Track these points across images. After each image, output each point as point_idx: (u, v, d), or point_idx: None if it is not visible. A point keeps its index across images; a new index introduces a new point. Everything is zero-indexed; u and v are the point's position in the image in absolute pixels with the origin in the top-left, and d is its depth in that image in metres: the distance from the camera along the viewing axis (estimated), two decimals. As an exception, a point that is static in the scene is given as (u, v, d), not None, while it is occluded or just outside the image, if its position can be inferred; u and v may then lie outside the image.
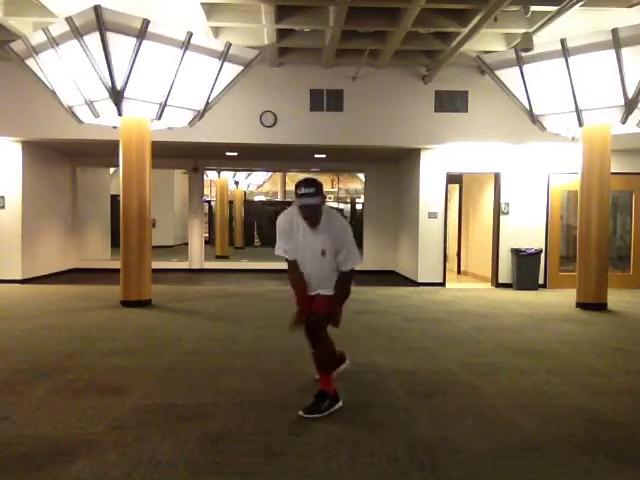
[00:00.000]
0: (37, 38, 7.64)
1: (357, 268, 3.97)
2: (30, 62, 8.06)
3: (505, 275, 10.88)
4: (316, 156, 12.30)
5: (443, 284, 10.92)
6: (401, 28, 8.09)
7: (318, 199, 3.68)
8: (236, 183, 20.20)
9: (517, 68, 8.27)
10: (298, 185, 3.74)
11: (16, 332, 6.25)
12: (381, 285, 11.00)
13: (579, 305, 8.48)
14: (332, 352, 4.00)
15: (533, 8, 7.41)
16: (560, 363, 5.16)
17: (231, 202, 20.34)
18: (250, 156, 12.93)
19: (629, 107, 7.65)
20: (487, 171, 11.16)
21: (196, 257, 13.55)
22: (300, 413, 3.68)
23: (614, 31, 7.25)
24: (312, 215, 3.75)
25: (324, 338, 3.89)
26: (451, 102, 10.42)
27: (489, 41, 8.93)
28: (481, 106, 10.34)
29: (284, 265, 4.14)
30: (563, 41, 7.62)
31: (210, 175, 17.71)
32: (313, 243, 3.86)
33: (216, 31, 8.65)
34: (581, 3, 6.63)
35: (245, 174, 19.79)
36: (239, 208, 20.94)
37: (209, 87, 8.21)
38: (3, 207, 10.58)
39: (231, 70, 8.32)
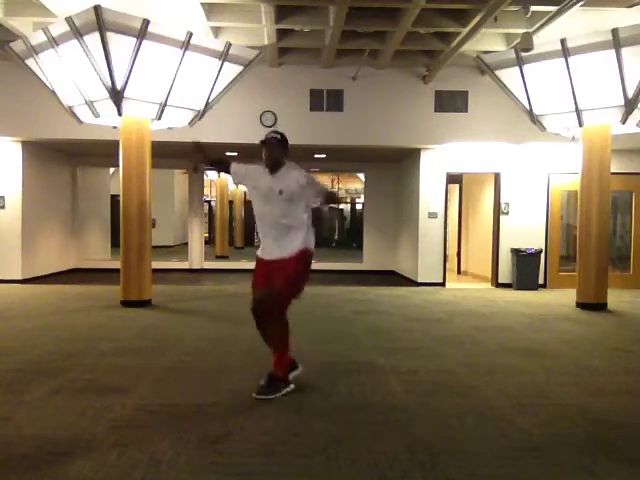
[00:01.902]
0: (37, 38, 7.64)
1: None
2: (30, 62, 8.06)
3: (505, 275, 10.88)
4: (316, 156, 12.30)
5: (443, 284, 10.92)
6: (401, 28, 8.10)
7: (282, 143, 4.11)
8: (236, 184, 20.16)
9: (517, 68, 8.27)
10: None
11: (16, 332, 6.25)
12: (381, 285, 11.00)
13: (579, 305, 8.48)
14: (286, 332, 4.14)
15: (533, 8, 7.42)
16: (560, 363, 5.16)
17: (231, 202, 20.34)
18: (250, 156, 12.90)
19: (629, 107, 7.65)
20: (487, 171, 11.16)
21: (196, 257, 13.55)
22: (253, 395, 3.93)
23: (614, 31, 7.24)
24: (274, 153, 4.06)
25: (281, 316, 4.03)
26: (451, 102, 10.43)
27: (489, 41, 8.93)
28: (481, 106, 10.34)
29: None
30: (563, 41, 7.62)
31: (210, 175, 17.71)
32: (272, 187, 4.03)
33: (216, 31, 8.65)
34: (581, 3, 6.63)
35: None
36: (239, 208, 20.94)
37: (209, 87, 8.22)
38: (3, 207, 10.59)
39: (231, 70, 8.32)
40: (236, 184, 4.17)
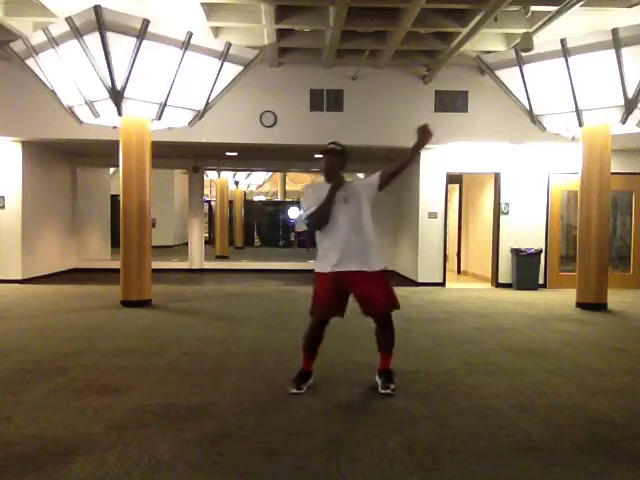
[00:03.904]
0: (37, 38, 7.64)
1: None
2: (30, 62, 8.06)
3: (505, 275, 10.88)
4: (316, 156, 12.27)
5: (443, 284, 10.91)
6: (401, 28, 8.09)
7: (342, 154, 4.11)
8: (236, 183, 20.19)
9: (517, 68, 8.27)
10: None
11: (16, 332, 6.25)
12: (381, 285, 10.98)
13: (579, 305, 8.47)
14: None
15: (533, 8, 7.41)
16: (560, 363, 5.16)
17: (231, 202, 20.34)
18: (250, 156, 12.93)
19: (629, 107, 7.64)
20: (487, 171, 11.16)
21: (196, 257, 13.55)
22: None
23: (614, 31, 7.24)
24: (333, 163, 4.06)
25: (391, 322, 4.22)
26: (451, 102, 10.42)
27: (489, 41, 8.92)
28: (481, 106, 10.34)
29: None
30: (563, 41, 7.61)
31: (210, 175, 17.71)
32: (338, 199, 4.01)
33: (216, 31, 8.65)
34: (581, 3, 6.62)
35: (245, 174, 19.78)
36: (239, 208, 20.94)
37: (209, 87, 8.22)
38: (3, 207, 10.58)
39: (231, 70, 8.32)
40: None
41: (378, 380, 4.24)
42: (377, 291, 4.08)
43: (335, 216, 4.03)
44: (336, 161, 4.11)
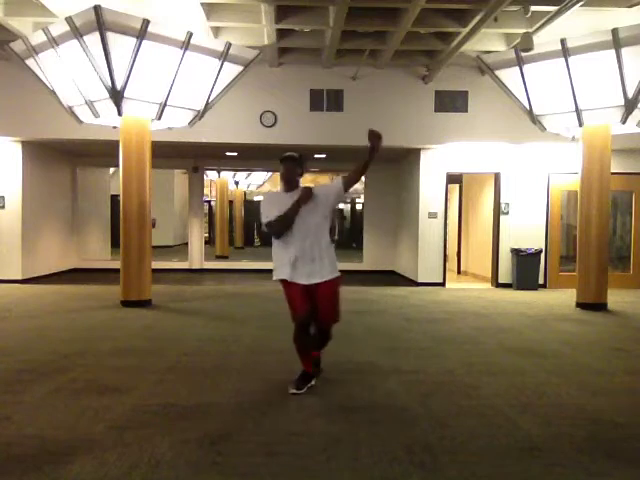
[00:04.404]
0: (37, 38, 7.65)
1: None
2: (30, 62, 8.06)
3: (505, 275, 10.88)
4: (316, 156, 12.30)
5: (443, 284, 10.91)
6: (401, 28, 8.09)
7: (299, 161, 4.24)
8: (236, 183, 20.20)
9: (517, 68, 8.27)
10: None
11: (16, 332, 6.25)
12: (381, 285, 11.00)
13: (579, 305, 8.48)
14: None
15: (533, 8, 7.41)
16: (560, 363, 5.16)
17: (231, 202, 20.34)
18: (250, 156, 12.93)
19: (629, 107, 7.65)
20: (487, 171, 11.16)
21: (196, 257, 13.55)
22: (291, 390, 4.11)
23: (614, 31, 7.25)
24: (291, 171, 4.19)
25: (330, 331, 4.37)
26: (451, 102, 10.42)
27: (489, 41, 8.93)
28: (481, 106, 10.34)
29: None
30: (563, 41, 7.62)
31: (210, 175, 17.71)
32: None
33: (216, 31, 8.65)
34: (581, 3, 6.62)
35: (245, 174, 19.79)
36: (239, 208, 20.94)
37: (209, 87, 8.22)
38: (3, 207, 10.58)
39: (231, 70, 8.33)
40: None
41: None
42: (325, 304, 4.18)
43: (294, 225, 4.11)
44: (293, 169, 4.23)
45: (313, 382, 4.28)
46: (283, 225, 4.08)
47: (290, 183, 4.24)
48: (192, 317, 7.44)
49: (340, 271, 4.23)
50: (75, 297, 8.98)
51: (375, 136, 4.09)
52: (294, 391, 4.12)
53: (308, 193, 4.13)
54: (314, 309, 4.14)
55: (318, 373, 4.41)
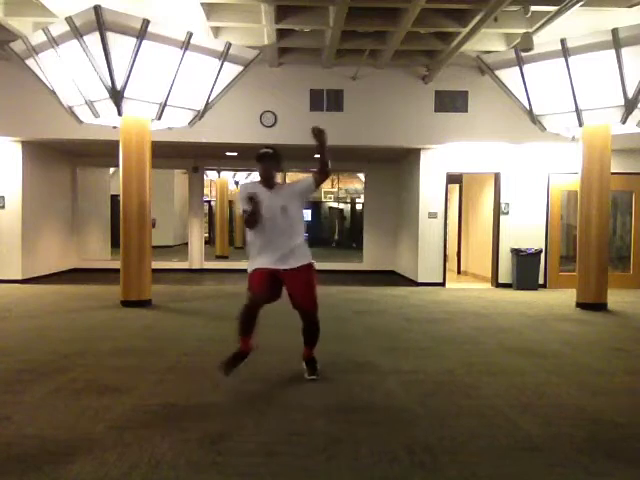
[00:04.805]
0: (37, 38, 7.65)
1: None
2: (30, 62, 8.06)
3: (505, 275, 10.88)
4: (316, 156, 12.27)
5: (443, 284, 10.91)
6: (401, 28, 8.09)
7: (275, 158, 4.29)
8: (236, 183, 20.19)
9: (517, 68, 8.27)
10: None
11: (16, 332, 6.25)
12: (381, 285, 11.00)
13: (579, 305, 8.48)
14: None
15: (533, 8, 7.41)
16: (560, 363, 5.16)
17: (231, 202, 20.34)
18: (250, 156, 12.85)
19: (629, 107, 7.65)
20: (487, 171, 11.16)
21: (196, 257, 13.55)
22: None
23: (614, 31, 7.25)
24: (268, 168, 4.24)
25: (314, 321, 4.40)
26: (451, 102, 10.42)
27: (489, 41, 8.93)
28: (481, 106, 10.34)
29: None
30: (563, 41, 7.62)
31: (210, 175, 17.71)
32: (274, 203, 4.20)
33: (216, 31, 8.65)
34: (581, 3, 6.63)
35: (245, 174, 19.79)
36: (239, 208, 20.90)
37: (209, 87, 8.22)
38: (3, 207, 10.59)
39: (231, 70, 8.33)
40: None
41: (305, 367, 4.50)
42: (298, 290, 4.32)
43: (268, 218, 4.19)
44: (270, 165, 4.29)
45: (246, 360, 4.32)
46: (254, 219, 4.16)
47: (269, 181, 4.31)
48: (192, 317, 7.44)
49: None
50: (75, 297, 8.98)
51: (318, 132, 4.13)
52: (225, 369, 4.19)
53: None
54: (273, 296, 4.30)
55: (314, 369, 4.47)
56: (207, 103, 8.40)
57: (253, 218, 4.16)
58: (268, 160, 4.28)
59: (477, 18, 7.51)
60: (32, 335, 6.08)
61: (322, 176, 4.38)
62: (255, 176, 16.42)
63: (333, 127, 10.15)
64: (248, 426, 3.48)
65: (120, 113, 7.57)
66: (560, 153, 10.62)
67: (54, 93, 8.25)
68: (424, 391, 4.25)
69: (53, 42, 7.42)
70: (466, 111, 10.41)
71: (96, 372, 4.65)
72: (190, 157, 13.20)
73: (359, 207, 21.99)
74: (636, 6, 7.55)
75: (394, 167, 13.27)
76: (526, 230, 10.79)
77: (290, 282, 4.30)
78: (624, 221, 11.34)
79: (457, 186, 13.60)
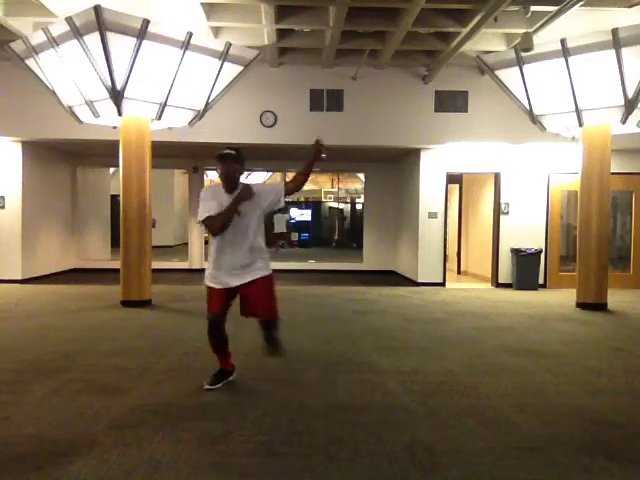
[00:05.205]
0: (37, 38, 7.64)
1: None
2: (30, 62, 8.06)
3: (505, 275, 10.88)
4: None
5: (443, 284, 10.91)
6: (401, 28, 8.09)
7: (238, 158, 3.99)
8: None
9: (517, 68, 8.27)
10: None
11: (16, 332, 6.25)
12: (381, 285, 11.00)
13: (579, 305, 8.48)
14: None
15: (533, 8, 7.41)
16: (560, 363, 5.16)
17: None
18: (250, 156, 12.90)
19: (629, 107, 7.65)
20: (487, 171, 11.16)
21: (196, 257, 13.55)
22: (205, 386, 4.16)
23: (614, 31, 7.25)
24: (230, 169, 3.93)
25: (275, 330, 4.09)
26: (451, 102, 10.42)
27: (489, 41, 8.93)
28: (481, 106, 10.34)
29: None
30: (563, 41, 7.62)
31: (210, 175, 17.70)
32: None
33: (216, 31, 8.65)
34: (581, 3, 6.63)
35: (245, 174, 19.79)
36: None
37: (209, 87, 8.22)
38: (3, 207, 10.58)
39: (231, 70, 8.33)
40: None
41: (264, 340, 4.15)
42: (255, 300, 4.08)
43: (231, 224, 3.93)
44: (233, 166, 3.98)
45: (231, 378, 4.32)
46: (223, 223, 3.87)
47: (230, 182, 3.99)
48: (192, 317, 7.44)
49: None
50: (75, 297, 8.98)
51: (320, 147, 4.14)
52: (208, 387, 4.18)
53: (249, 191, 3.94)
54: (226, 312, 4.16)
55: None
56: (207, 103, 8.40)
57: (223, 222, 3.88)
58: (230, 161, 3.96)
59: (477, 18, 7.51)
60: (32, 335, 6.08)
61: (297, 185, 4.21)
62: (255, 176, 16.41)
63: (333, 127, 10.32)
64: (248, 426, 3.48)
65: (120, 113, 7.57)
66: (560, 153, 10.62)
67: (54, 93, 8.24)
68: (424, 391, 4.25)
69: (53, 42, 7.42)
70: (466, 111, 10.41)
71: (96, 372, 4.65)
72: (190, 157, 13.19)
73: (359, 207, 22.00)
74: (636, 6, 7.56)
75: (394, 167, 13.27)
76: (526, 230, 10.79)
77: (247, 292, 4.07)
78: (624, 221, 11.34)
79: (457, 186, 13.59)
